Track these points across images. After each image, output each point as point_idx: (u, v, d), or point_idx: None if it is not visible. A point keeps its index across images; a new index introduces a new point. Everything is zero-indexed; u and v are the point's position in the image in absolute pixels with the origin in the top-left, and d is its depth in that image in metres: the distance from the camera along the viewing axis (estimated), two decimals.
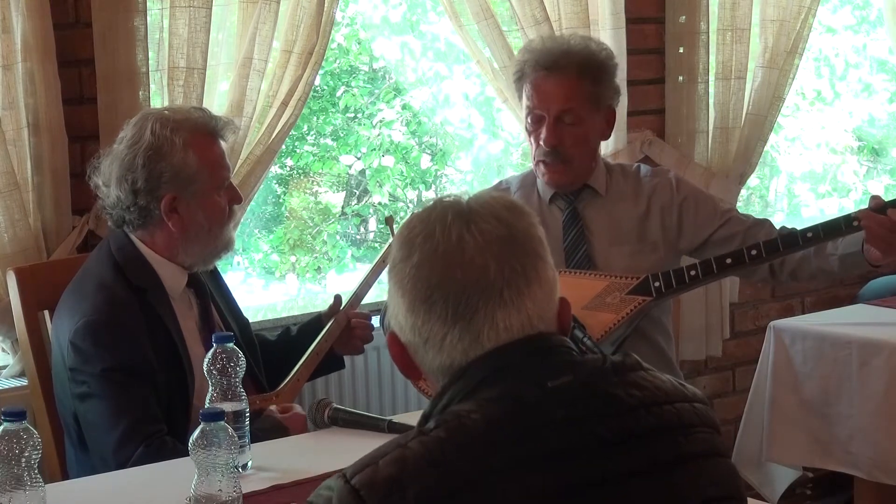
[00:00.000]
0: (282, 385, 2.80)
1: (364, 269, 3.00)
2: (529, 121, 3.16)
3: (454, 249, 1.53)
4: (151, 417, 2.59)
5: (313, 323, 3.01)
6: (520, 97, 3.21)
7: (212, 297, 2.84)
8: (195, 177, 2.67)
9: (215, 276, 2.90)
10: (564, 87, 3.12)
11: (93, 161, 2.77)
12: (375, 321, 3.14)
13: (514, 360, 1.52)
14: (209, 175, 2.69)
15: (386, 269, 1.63)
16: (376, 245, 4.43)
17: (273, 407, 2.71)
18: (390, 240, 2.89)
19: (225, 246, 2.77)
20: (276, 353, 2.97)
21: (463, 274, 1.52)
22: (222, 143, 2.74)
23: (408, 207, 4.45)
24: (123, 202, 2.67)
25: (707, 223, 3.23)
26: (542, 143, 3.13)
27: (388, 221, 2.98)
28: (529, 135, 3.18)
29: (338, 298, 2.99)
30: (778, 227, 3.23)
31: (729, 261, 3.08)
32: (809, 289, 4.62)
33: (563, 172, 3.18)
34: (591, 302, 3.04)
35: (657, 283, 3.05)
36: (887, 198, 3.06)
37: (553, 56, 3.13)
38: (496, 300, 1.52)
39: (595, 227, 3.21)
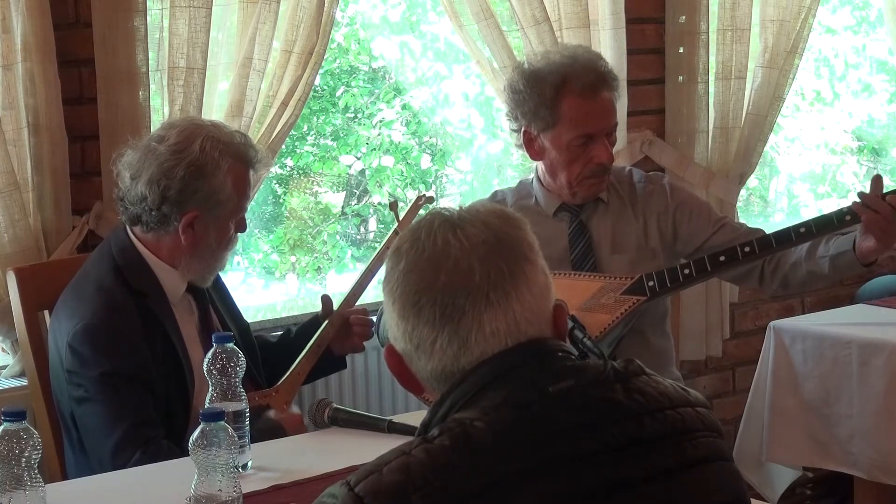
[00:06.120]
0: (280, 381, 2.81)
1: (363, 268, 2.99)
2: (574, 143, 3.09)
3: (439, 253, 1.54)
4: (149, 422, 2.59)
5: (311, 323, 3.01)
6: (531, 120, 3.12)
7: (212, 301, 2.85)
8: (224, 202, 2.69)
9: (215, 279, 2.90)
10: (612, 102, 3.14)
11: (122, 149, 2.75)
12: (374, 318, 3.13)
13: (514, 366, 1.52)
14: (236, 203, 2.72)
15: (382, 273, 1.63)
16: (376, 245, 4.42)
17: (272, 412, 2.72)
18: (395, 226, 2.89)
19: (220, 268, 2.82)
20: (278, 354, 2.97)
21: (448, 277, 1.53)
22: (251, 174, 2.77)
23: (408, 207, 4.44)
24: (148, 203, 2.66)
25: (701, 230, 3.23)
26: (599, 162, 3.10)
27: (392, 206, 2.97)
28: (573, 156, 3.10)
29: (325, 298, 2.99)
30: (775, 228, 3.23)
31: (722, 258, 3.09)
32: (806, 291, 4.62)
33: (605, 181, 3.19)
34: (587, 303, 3.05)
35: (651, 283, 3.06)
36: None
37: (596, 74, 3.10)
38: (482, 302, 1.52)
39: (599, 237, 3.22)
